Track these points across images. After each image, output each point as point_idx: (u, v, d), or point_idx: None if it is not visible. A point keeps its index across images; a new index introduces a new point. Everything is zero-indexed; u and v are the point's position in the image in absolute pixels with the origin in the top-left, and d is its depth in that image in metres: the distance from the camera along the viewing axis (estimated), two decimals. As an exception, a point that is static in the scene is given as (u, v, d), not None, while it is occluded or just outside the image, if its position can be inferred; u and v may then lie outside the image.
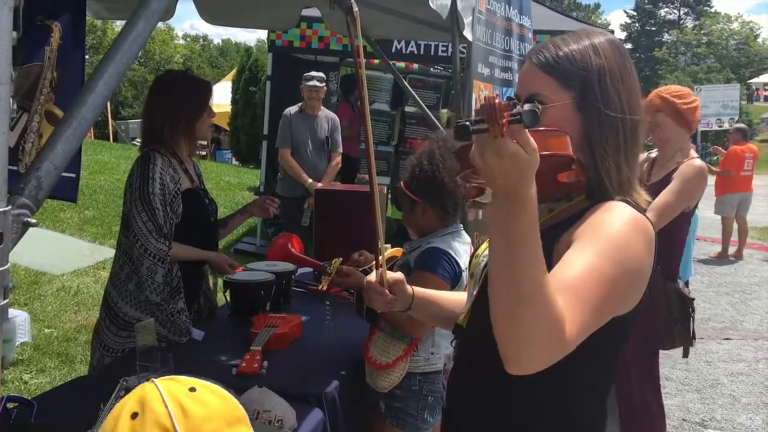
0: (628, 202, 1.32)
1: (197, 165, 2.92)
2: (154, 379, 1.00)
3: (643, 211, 1.33)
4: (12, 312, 4.54)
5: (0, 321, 0.77)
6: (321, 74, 6.24)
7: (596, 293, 1.17)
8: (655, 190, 2.94)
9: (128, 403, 0.97)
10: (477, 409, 1.41)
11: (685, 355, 3.25)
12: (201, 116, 2.73)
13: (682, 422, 4.37)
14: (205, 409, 0.97)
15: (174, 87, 2.72)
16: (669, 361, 5.38)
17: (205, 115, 2.75)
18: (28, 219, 0.80)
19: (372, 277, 1.64)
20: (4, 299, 0.78)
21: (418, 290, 1.69)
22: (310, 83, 6.11)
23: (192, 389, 0.97)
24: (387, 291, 1.61)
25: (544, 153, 1.12)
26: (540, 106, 1.08)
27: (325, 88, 6.33)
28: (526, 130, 1.05)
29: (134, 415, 0.94)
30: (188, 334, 2.65)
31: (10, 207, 0.77)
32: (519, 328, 1.09)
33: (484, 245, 1.56)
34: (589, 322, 1.17)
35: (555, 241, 1.30)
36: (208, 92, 2.80)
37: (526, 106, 1.06)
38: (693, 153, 3.22)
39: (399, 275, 1.68)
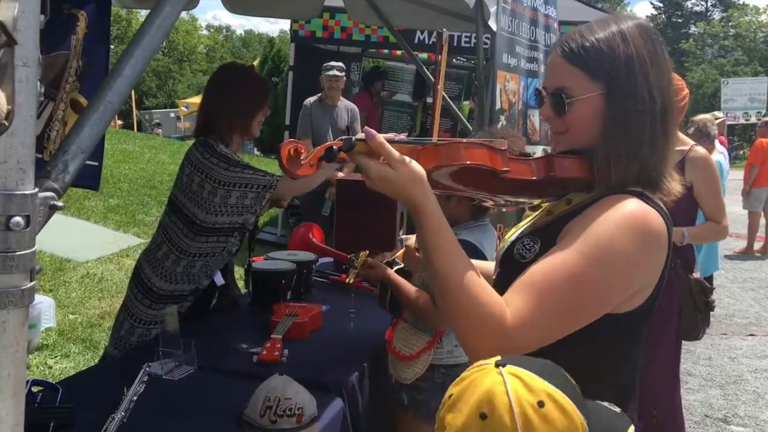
0: (641, 194, 1.28)
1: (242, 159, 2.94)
2: (504, 373, 0.99)
3: (656, 203, 1.30)
4: (37, 298, 4.61)
5: (27, 302, 0.78)
6: (341, 64, 6.25)
7: (562, 289, 1.18)
8: None
9: (476, 398, 0.98)
10: None
11: (699, 338, 3.34)
12: (258, 114, 2.75)
13: (704, 418, 4.32)
14: (551, 429, 0.96)
15: (237, 82, 2.73)
16: (692, 356, 5.33)
17: (260, 114, 2.76)
18: (55, 202, 0.81)
19: (410, 241, 1.70)
20: (31, 281, 0.78)
21: None
22: (330, 72, 6.11)
23: (540, 404, 0.96)
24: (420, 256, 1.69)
25: (448, 164, 1.24)
26: (356, 138, 1.21)
27: (345, 78, 6.34)
28: (387, 147, 1.19)
29: (483, 416, 0.97)
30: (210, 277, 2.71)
31: (37, 190, 0.77)
32: (452, 317, 1.21)
33: (511, 231, 1.57)
34: (549, 317, 1.18)
35: (560, 231, 1.30)
36: (268, 92, 2.83)
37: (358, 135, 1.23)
38: (683, 137, 3.26)
39: None
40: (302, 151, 1.18)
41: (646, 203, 1.27)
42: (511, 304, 1.17)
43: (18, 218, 0.75)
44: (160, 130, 22.06)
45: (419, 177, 1.19)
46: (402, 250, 2.02)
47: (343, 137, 1.22)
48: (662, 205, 1.31)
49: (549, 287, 1.18)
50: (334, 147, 1.19)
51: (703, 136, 5.23)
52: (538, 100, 1.42)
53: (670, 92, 1.32)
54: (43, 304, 4.66)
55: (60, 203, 0.81)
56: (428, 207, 1.19)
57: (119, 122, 21.20)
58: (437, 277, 1.20)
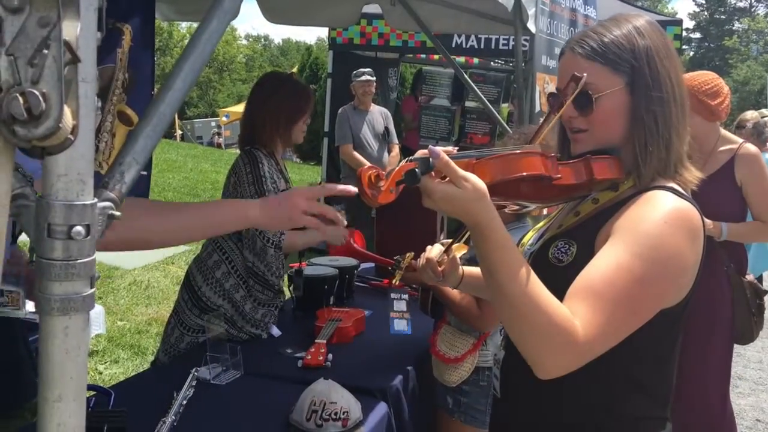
0: (673, 190, 1.29)
1: (285, 166, 2.98)
2: None
3: (688, 196, 1.30)
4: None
5: (87, 309, 0.81)
6: (370, 69, 6.36)
7: (625, 293, 1.16)
8: (715, 184, 2.91)
9: None
10: (529, 398, 1.40)
11: (752, 341, 3.29)
12: (299, 121, 2.80)
13: (756, 422, 4.21)
14: None
15: (281, 89, 2.79)
16: (742, 360, 5.20)
17: (302, 122, 2.81)
18: (113, 212, 0.84)
19: (431, 254, 1.65)
20: (92, 288, 0.81)
21: (468, 270, 1.71)
22: (362, 78, 6.21)
23: None
24: (440, 270, 1.64)
25: (507, 177, 1.19)
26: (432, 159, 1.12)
27: (375, 82, 6.43)
28: (453, 166, 1.12)
29: None
30: (267, 329, 2.71)
31: (96, 200, 0.80)
32: (521, 337, 1.16)
33: (529, 234, 1.57)
34: (617, 323, 1.17)
35: (597, 232, 1.30)
36: (310, 99, 2.87)
37: (419, 153, 1.16)
38: (730, 135, 3.20)
39: (457, 260, 1.70)
40: (382, 177, 1.10)
41: (681, 198, 1.28)
42: (578, 315, 1.14)
43: (79, 227, 0.78)
44: (221, 139, 22.22)
45: (482, 193, 1.13)
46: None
47: (414, 158, 1.14)
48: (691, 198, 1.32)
49: (612, 293, 1.16)
50: (417, 170, 1.10)
51: (757, 134, 5.13)
52: (554, 103, 1.40)
53: (683, 84, 1.35)
54: (93, 311, 4.78)
55: (117, 213, 0.84)
56: (493, 223, 1.14)
57: (179, 132, 21.55)
58: (504, 294, 1.14)
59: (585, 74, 1.30)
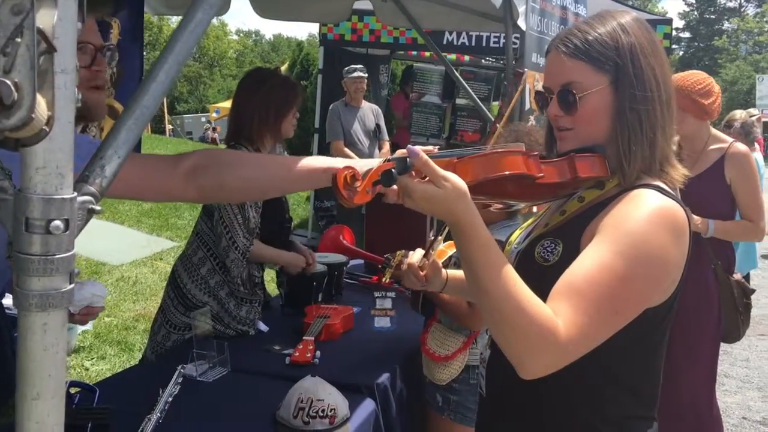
0: (658, 188, 1.28)
1: None
2: None
3: (674, 195, 1.29)
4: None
5: (66, 304, 0.79)
6: (361, 66, 6.35)
7: (608, 293, 1.15)
8: (705, 182, 2.92)
9: None
10: (515, 397, 1.39)
11: (739, 339, 3.32)
12: (288, 115, 2.78)
13: (742, 420, 4.23)
14: None
15: (266, 84, 2.76)
16: (729, 358, 5.23)
17: (291, 115, 2.79)
18: (93, 206, 0.82)
19: (412, 259, 1.66)
20: (71, 284, 0.80)
21: (452, 273, 1.71)
22: (355, 74, 6.21)
23: None
24: (422, 275, 1.66)
25: (488, 177, 1.18)
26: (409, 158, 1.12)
27: (367, 79, 6.44)
28: (432, 165, 1.11)
29: None
30: (254, 326, 2.70)
31: (75, 194, 0.79)
32: (503, 337, 1.15)
33: (517, 232, 1.56)
34: (600, 322, 1.16)
35: (582, 231, 1.29)
36: (298, 93, 2.86)
37: (398, 153, 1.16)
38: (720, 134, 3.22)
39: (438, 264, 1.72)
40: (358, 177, 1.09)
41: (666, 196, 1.27)
42: (560, 315, 1.13)
43: (58, 222, 0.77)
44: (216, 134, 22.09)
45: (462, 193, 1.12)
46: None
47: (392, 158, 1.14)
48: (678, 196, 1.31)
49: (595, 293, 1.15)
50: (393, 170, 1.09)
51: (745, 134, 5.16)
52: (540, 101, 1.39)
53: (670, 82, 1.34)
54: (80, 306, 4.74)
55: (98, 207, 0.82)
56: (474, 223, 1.13)
57: (169, 128, 21.36)
58: (487, 295, 1.13)
59: (526, 70, 1.31)
